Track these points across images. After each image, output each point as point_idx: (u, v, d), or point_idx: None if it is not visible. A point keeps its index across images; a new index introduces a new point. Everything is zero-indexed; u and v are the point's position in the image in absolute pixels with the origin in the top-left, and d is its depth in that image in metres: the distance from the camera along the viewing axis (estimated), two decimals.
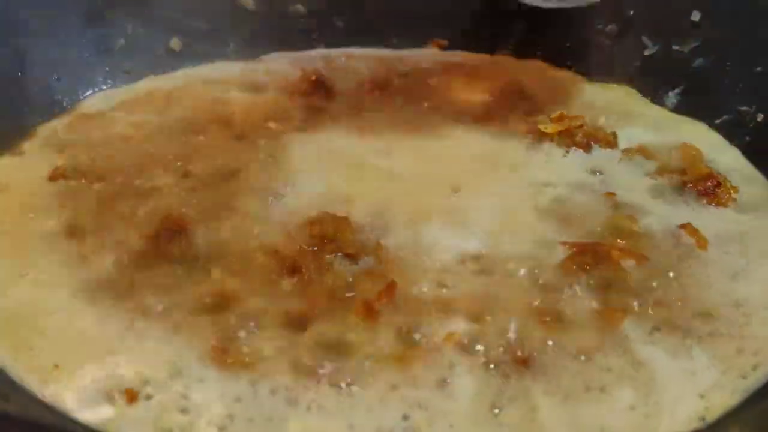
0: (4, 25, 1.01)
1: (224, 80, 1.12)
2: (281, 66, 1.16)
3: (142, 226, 0.80)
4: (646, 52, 1.14)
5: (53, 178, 0.89)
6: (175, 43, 1.17)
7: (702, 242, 0.81)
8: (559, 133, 0.96)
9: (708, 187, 0.89)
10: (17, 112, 1.00)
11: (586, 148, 0.96)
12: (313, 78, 1.10)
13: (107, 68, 1.11)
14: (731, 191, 0.89)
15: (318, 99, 1.07)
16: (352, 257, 0.77)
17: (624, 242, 0.80)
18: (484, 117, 1.03)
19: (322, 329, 0.70)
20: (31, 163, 0.93)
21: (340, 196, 0.86)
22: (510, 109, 1.04)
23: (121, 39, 1.13)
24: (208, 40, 1.19)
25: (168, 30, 1.16)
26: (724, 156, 0.98)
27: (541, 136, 0.97)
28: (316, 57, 1.20)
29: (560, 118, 0.98)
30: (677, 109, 1.08)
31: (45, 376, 0.66)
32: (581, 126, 0.97)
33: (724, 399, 0.67)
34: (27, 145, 0.96)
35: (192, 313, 0.71)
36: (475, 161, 0.95)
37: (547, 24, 1.18)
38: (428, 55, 1.22)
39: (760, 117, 1.00)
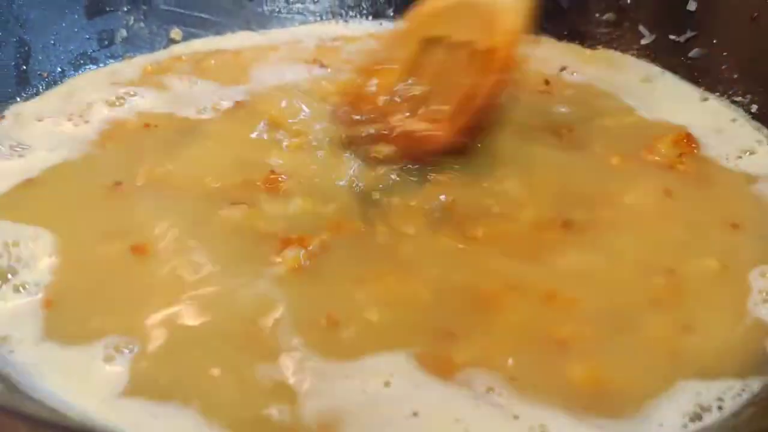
0: (6, 20, 1.03)
1: None
2: None
3: None
4: (643, 42, 1.13)
5: None
6: (176, 33, 1.19)
7: None
8: None
9: None
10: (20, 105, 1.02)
11: None
12: None
13: (110, 60, 1.13)
14: None
15: None
16: None
17: None
18: None
19: None
20: None
21: None
22: None
23: (122, 30, 1.15)
24: (208, 29, 1.21)
25: (169, 20, 1.18)
26: None
27: None
28: None
29: None
30: None
31: None
32: None
33: None
34: None
35: None
36: None
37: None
38: None
39: (754, 108, 1.00)
